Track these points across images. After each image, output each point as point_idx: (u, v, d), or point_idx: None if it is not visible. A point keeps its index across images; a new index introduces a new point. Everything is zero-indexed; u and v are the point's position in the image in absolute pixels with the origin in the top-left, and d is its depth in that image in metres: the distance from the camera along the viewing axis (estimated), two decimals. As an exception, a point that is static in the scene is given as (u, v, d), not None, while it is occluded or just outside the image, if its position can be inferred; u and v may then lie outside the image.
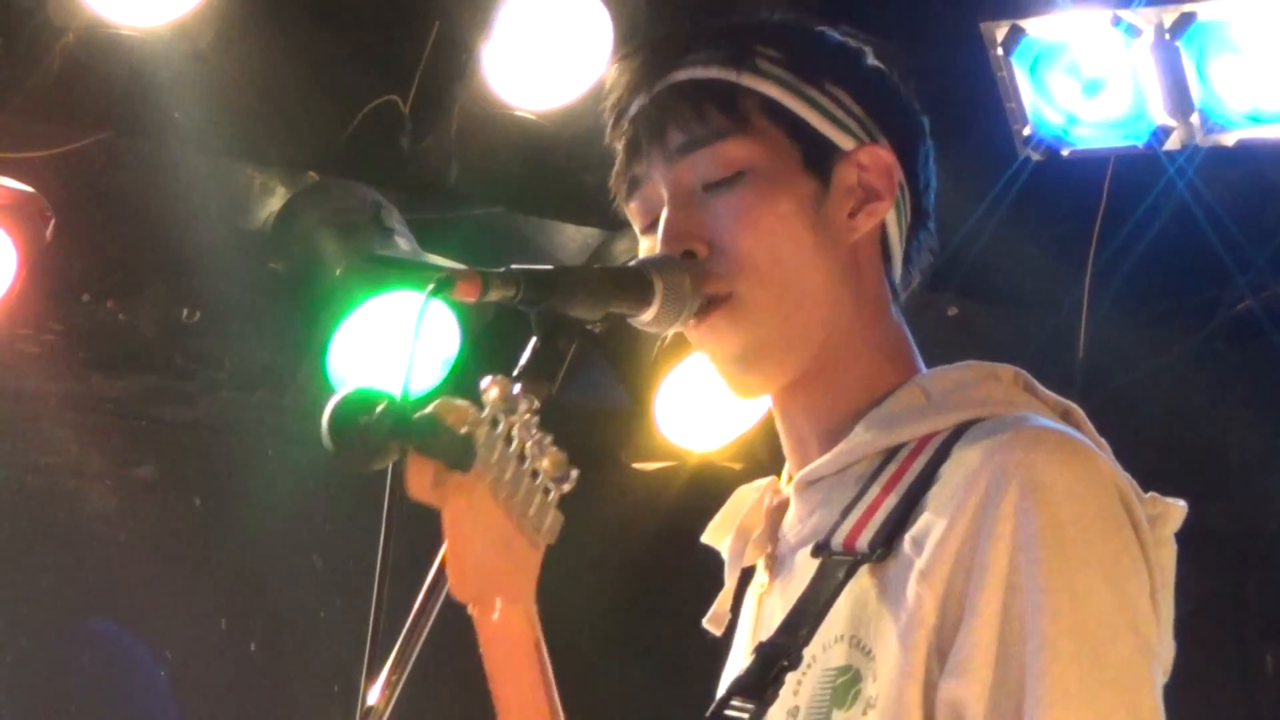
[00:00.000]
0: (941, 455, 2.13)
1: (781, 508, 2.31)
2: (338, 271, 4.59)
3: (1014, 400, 2.20)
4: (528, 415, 2.00)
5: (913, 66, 2.35)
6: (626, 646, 5.18)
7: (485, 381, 2.00)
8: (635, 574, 5.22)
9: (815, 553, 2.16)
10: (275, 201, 4.79)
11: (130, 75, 4.34)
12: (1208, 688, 5.72)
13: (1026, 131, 4.68)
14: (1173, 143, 4.59)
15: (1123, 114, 4.62)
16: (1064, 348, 5.25)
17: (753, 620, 2.31)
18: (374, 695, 2.00)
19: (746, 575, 2.33)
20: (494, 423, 1.97)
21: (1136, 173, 4.90)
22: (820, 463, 2.23)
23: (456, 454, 1.96)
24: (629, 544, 5.15)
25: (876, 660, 2.08)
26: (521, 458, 2.01)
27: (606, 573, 5.00)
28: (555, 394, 2.06)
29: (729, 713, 2.10)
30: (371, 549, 2.00)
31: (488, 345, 4.59)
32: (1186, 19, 4.44)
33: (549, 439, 2.02)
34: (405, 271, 4.54)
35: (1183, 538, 2.18)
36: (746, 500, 2.35)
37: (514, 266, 2.10)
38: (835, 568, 2.13)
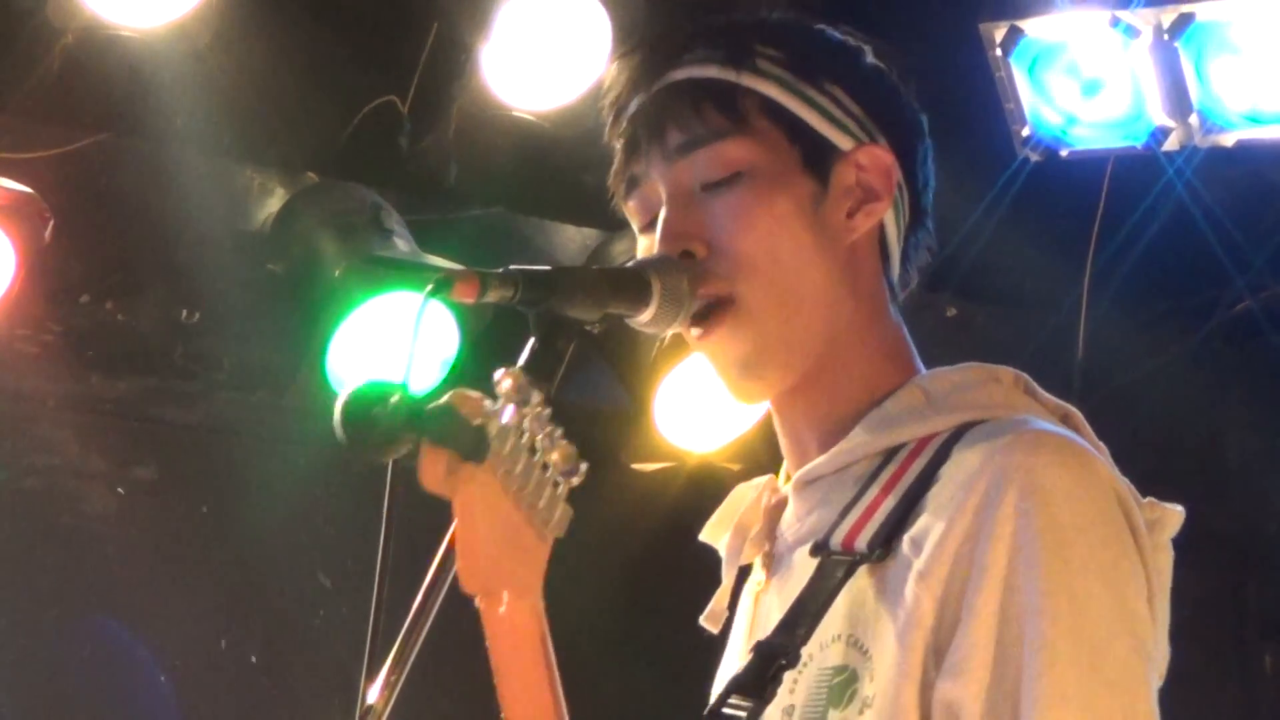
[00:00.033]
0: (941, 457, 2.14)
1: (780, 506, 2.31)
2: (337, 272, 4.59)
3: (1014, 403, 2.20)
4: (539, 408, 2.01)
5: (912, 67, 2.36)
6: (626, 647, 5.18)
7: (499, 373, 2.01)
8: (634, 574, 5.22)
9: (814, 552, 2.16)
10: (274, 202, 4.79)
11: (129, 76, 4.34)
12: (1208, 688, 5.72)
13: (1025, 132, 4.68)
14: (1171, 143, 4.59)
15: (1121, 114, 4.63)
16: (1063, 348, 5.26)
17: (749, 618, 2.31)
18: (373, 695, 2.00)
19: (743, 573, 2.34)
20: (506, 414, 1.98)
21: (1135, 173, 4.90)
22: (819, 462, 2.23)
23: (470, 445, 1.97)
24: (628, 544, 5.15)
25: (874, 660, 2.08)
26: (532, 450, 2.01)
27: (606, 573, 5.00)
28: (554, 394, 2.06)
29: (727, 710, 2.11)
30: (371, 549, 2.01)
31: (486, 346, 4.59)
32: (1185, 19, 4.44)
33: (559, 432, 2.03)
34: (404, 272, 4.54)
35: (1182, 538, 2.18)
36: (744, 498, 2.35)
37: (512, 267, 2.10)
38: (834, 567, 2.13)
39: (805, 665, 2.13)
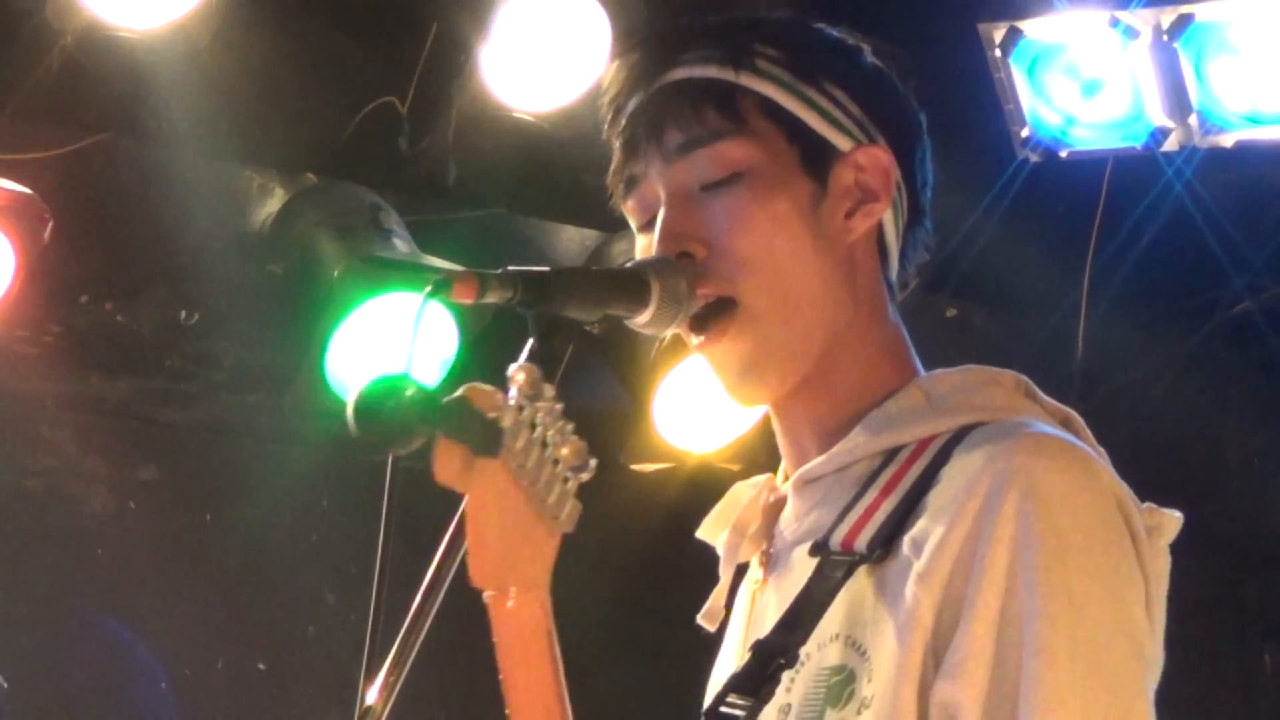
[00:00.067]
0: (942, 458, 2.14)
1: (778, 505, 2.31)
2: (336, 273, 4.59)
3: (1015, 406, 2.20)
4: (552, 403, 2.01)
5: (912, 67, 2.36)
6: (625, 648, 5.18)
7: (512, 368, 2.01)
8: (634, 574, 5.22)
9: (813, 552, 2.16)
10: (274, 203, 4.79)
11: (128, 77, 4.34)
12: (1208, 688, 5.72)
13: (1025, 133, 4.68)
14: (1171, 144, 4.59)
15: (1121, 115, 4.63)
16: (1062, 349, 5.26)
17: (746, 615, 2.31)
18: (372, 695, 2.00)
19: (740, 571, 2.34)
20: (519, 409, 1.98)
21: (1135, 174, 4.90)
22: (819, 461, 2.23)
23: (485, 439, 1.97)
24: (627, 545, 5.15)
25: (872, 660, 2.08)
26: (544, 445, 2.01)
27: (605, 574, 5.00)
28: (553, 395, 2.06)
29: (725, 709, 2.11)
30: (371, 549, 2.01)
31: (486, 346, 4.59)
32: (1184, 20, 4.44)
33: (570, 427, 2.03)
34: (403, 273, 4.54)
35: (1182, 538, 2.18)
36: (742, 496, 2.35)
37: (511, 268, 2.10)
38: (833, 567, 2.13)
39: (803, 665, 2.13)
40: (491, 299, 2.08)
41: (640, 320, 2.19)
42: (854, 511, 2.16)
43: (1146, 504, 2.16)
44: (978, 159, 4.79)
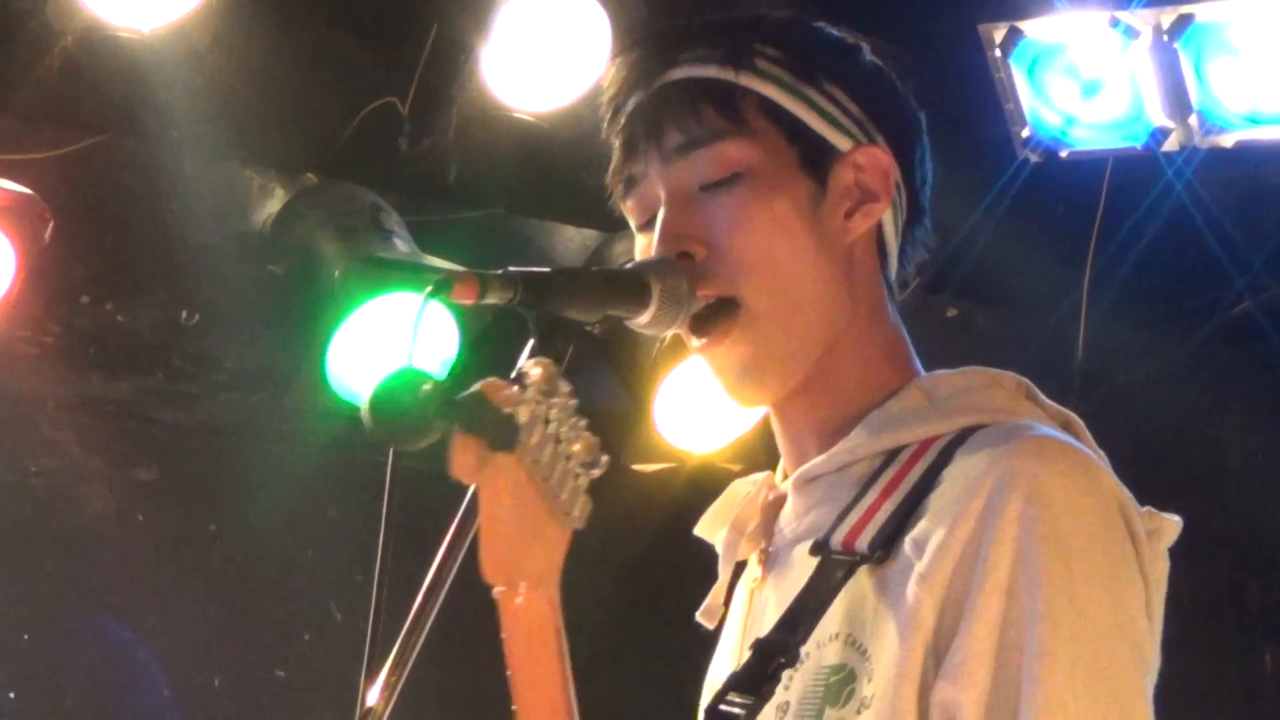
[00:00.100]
0: (944, 459, 2.14)
1: (777, 503, 2.31)
2: (336, 273, 4.59)
3: (1017, 408, 2.20)
4: (566, 399, 2.01)
5: (911, 67, 2.35)
6: (626, 646, 5.18)
7: (528, 363, 2.01)
8: (634, 575, 5.22)
9: (814, 551, 2.16)
10: (274, 203, 4.79)
11: (129, 77, 4.34)
12: (1208, 688, 5.72)
13: (1025, 133, 4.68)
14: (1171, 144, 4.59)
15: (1121, 115, 4.63)
16: (1062, 349, 5.26)
17: (744, 613, 2.31)
18: (373, 696, 2.00)
19: (738, 568, 2.34)
20: (535, 404, 1.98)
21: (1135, 174, 4.90)
22: (820, 460, 2.23)
23: (501, 434, 1.97)
24: (628, 545, 5.15)
25: (872, 660, 2.08)
26: (557, 440, 2.02)
27: (606, 574, 5.00)
28: (553, 396, 2.06)
29: (724, 708, 2.11)
30: (371, 549, 2.01)
31: (486, 347, 4.59)
32: (1184, 20, 4.44)
33: (583, 423, 2.04)
34: (404, 273, 4.54)
35: (1182, 539, 2.18)
36: (741, 494, 2.35)
37: (511, 269, 2.10)
38: (834, 567, 2.13)
39: (802, 663, 2.13)
40: (492, 299, 2.08)
41: (641, 321, 2.18)
42: (855, 511, 2.16)
43: (1146, 508, 2.16)
44: (978, 159, 4.79)
